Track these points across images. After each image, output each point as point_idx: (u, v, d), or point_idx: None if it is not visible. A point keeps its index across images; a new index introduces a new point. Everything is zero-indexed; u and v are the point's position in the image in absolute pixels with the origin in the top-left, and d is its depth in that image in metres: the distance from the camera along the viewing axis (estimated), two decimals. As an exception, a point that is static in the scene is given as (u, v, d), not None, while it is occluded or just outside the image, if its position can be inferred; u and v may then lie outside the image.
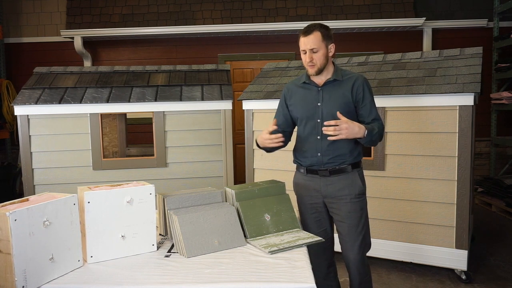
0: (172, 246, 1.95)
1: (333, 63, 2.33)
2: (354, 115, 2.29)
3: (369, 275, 2.37)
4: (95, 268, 1.71)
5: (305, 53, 2.24)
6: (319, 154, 2.28)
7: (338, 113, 2.12)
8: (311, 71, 2.26)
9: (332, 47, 2.27)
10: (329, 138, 2.10)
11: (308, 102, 2.32)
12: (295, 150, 2.42)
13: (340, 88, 2.27)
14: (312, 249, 1.99)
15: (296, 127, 2.45)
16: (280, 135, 2.18)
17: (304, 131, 2.34)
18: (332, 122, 2.05)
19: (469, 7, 6.18)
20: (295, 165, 2.46)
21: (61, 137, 3.69)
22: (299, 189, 2.42)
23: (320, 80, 2.31)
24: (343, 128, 2.04)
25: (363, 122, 2.28)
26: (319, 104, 2.29)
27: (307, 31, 2.22)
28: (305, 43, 2.23)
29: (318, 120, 2.28)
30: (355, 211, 2.27)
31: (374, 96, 2.39)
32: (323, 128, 2.08)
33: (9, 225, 1.43)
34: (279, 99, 2.45)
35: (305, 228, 2.40)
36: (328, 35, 2.25)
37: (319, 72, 2.26)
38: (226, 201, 2.15)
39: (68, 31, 6.00)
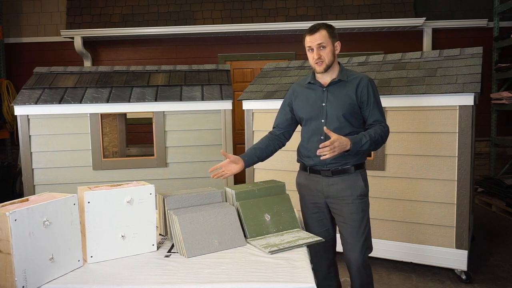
0: (172, 246, 1.95)
1: (338, 63, 2.33)
2: (358, 116, 2.28)
3: (370, 277, 2.36)
4: (95, 268, 1.71)
5: (312, 51, 2.24)
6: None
7: (325, 128, 2.08)
8: (319, 68, 2.25)
9: (338, 45, 2.28)
10: (322, 158, 2.05)
11: (313, 102, 2.32)
12: (299, 150, 2.42)
13: (345, 89, 2.27)
14: (313, 248, 1.99)
15: (300, 127, 2.45)
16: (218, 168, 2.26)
17: (308, 131, 2.34)
18: (328, 143, 2.01)
19: (469, 7, 6.18)
20: (298, 164, 2.46)
21: (61, 137, 3.69)
22: (301, 189, 2.42)
23: (325, 80, 2.31)
24: (336, 146, 2.03)
25: (366, 123, 2.29)
26: (323, 104, 2.29)
27: (313, 30, 2.23)
28: (311, 40, 2.22)
29: (322, 121, 2.28)
30: (356, 212, 2.27)
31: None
32: (318, 151, 2.04)
33: (9, 225, 1.43)
34: (279, 99, 2.45)
35: (307, 227, 2.40)
36: (333, 33, 2.25)
37: (327, 69, 2.25)
38: (226, 201, 2.15)
39: (68, 31, 5.99)
